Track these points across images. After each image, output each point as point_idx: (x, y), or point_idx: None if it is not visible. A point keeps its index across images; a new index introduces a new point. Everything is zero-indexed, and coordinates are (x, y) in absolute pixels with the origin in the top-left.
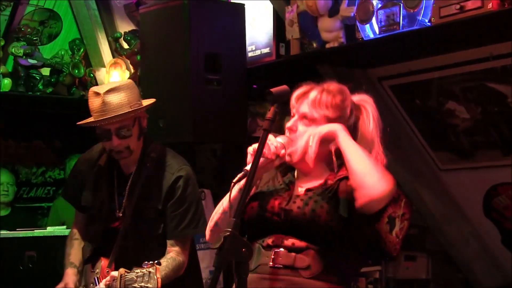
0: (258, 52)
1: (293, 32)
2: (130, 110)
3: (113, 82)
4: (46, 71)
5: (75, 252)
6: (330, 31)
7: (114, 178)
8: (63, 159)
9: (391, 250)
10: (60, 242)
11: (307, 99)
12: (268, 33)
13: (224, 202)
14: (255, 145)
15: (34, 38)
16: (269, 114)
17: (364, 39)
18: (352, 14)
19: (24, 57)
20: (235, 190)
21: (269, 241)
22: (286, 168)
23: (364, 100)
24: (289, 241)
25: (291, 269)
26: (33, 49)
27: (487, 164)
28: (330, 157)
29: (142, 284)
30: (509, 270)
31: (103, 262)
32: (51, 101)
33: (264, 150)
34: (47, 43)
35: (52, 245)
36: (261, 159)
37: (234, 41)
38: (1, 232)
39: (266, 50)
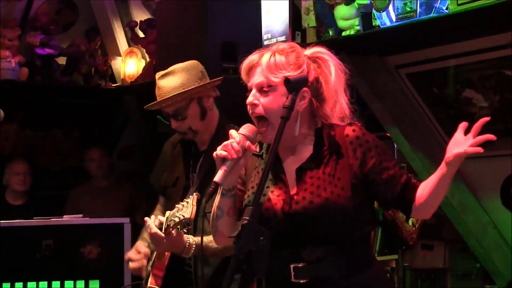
0: (274, 41)
1: (309, 20)
2: (179, 92)
3: (177, 65)
4: (62, 60)
5: None
6: (347, 19)
7: (191, 155)
8: (81, 148)
9: (407, 239)
10: (77, 230)
11: (260, 67)
12: (284, 21)
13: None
14: (218, 151)
15: (51, 27)
16: (287, 102)
17: (381, 26)
18: (368, 2)
19: (40, 46)
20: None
21: (285, 253)
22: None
23: (319, 52)
24: (307, 251)
25: (318, 281)
26: (49, 38)
27: (506, 153)
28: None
29: (180, 214)
30: None
31: None
32: (67, 90)
33: (225, 151)
34: (63, 32)
35: (69, 233)
36: (228, 162)
37: (250, 29)
38: (18, 220)
39: (282, 39)
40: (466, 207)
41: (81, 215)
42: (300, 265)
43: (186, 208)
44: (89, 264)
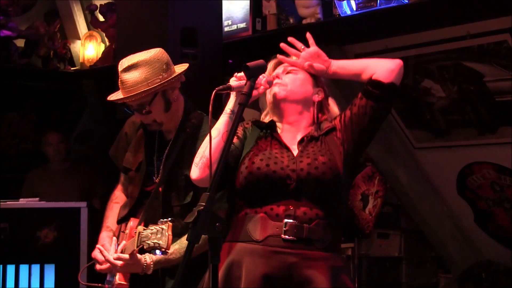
0: (234, 27)
1: (270, 8)
2: (144, 90)
3: (137, 55)
4: (21, 43)
5: (112, 216)
6: (307, 7)
7: (155, 142)
8: (38, 131)
9: (364, 227)
10: (33, 214)
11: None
12: (245, 8)
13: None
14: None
15: (9, 9)
16: (245, 89)
17: (341, 15)
18: None
19: None
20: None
21: (280, 210)
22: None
23: None
24: (301, 211)
25: (305, 242)
26: (7, 20)
27: (462, 143)
28: (313, 110)
29: (155, 240)
30: (482, 249)
31: (132, 223)
32: (25, 73)
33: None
34: (22, 14)
35: (24, 217)
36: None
37: (211, 15)
38: None
39: (243, 25)
40: (422, 196)
41: (37, 198)
42: (291, 221)
43: (161, 236)
44: (45, 248)
